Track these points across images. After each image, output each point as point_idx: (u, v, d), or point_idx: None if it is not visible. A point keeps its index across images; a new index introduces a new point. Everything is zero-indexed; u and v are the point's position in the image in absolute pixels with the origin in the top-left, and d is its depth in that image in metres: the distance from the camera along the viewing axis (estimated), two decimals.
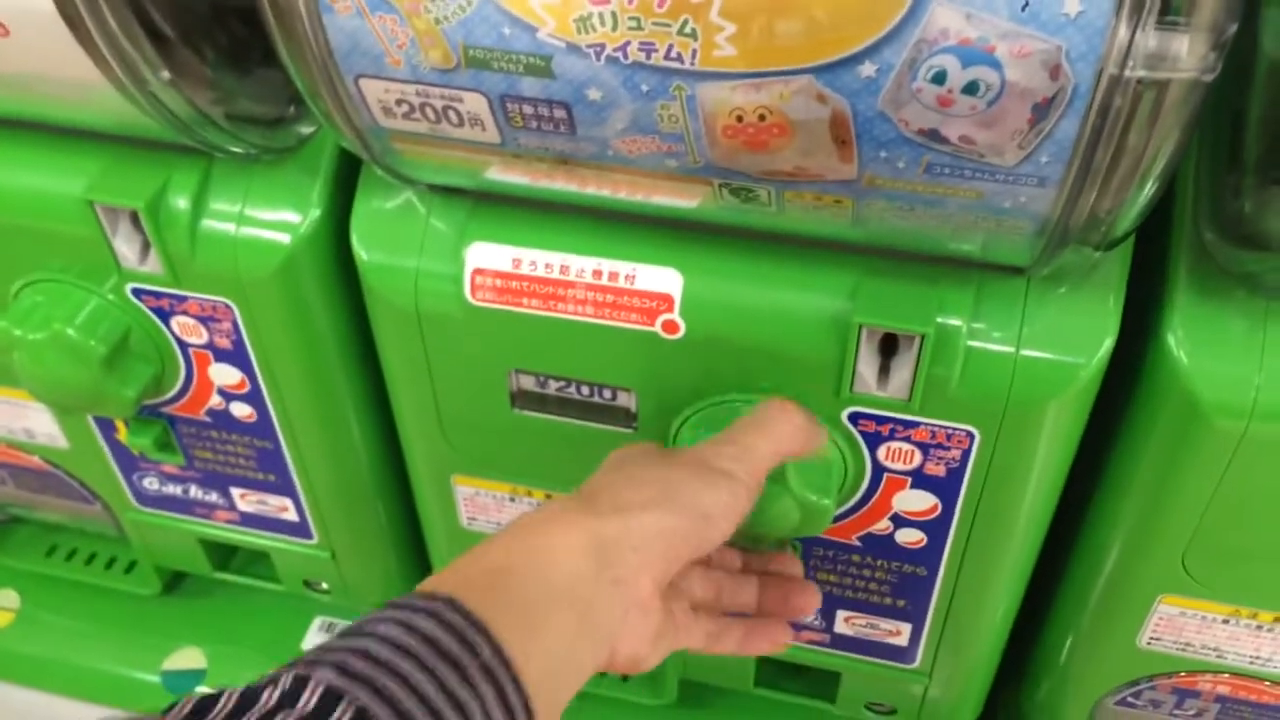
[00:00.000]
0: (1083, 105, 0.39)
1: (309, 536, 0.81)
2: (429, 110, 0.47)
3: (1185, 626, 0.65)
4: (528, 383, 0.64)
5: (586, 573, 0.46)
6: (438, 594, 0.43)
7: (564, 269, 0.57)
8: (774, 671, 0.81)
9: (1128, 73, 0.38)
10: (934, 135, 0.42)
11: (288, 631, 0.94)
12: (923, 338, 0.53)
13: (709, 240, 0.56)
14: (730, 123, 0.44)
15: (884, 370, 0.56)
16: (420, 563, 0.85)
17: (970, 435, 0.57)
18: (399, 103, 0.48)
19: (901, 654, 0.73)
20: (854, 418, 0.58)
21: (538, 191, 0.54)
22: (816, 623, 0.72)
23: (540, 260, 0.58)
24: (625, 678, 0.88)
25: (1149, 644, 0.66)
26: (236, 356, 0.68)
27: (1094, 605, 0.67)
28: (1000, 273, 0.54)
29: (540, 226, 0.58)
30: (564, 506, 0.49)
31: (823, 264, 0.55)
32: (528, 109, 0.46)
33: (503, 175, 0.52)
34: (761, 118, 0.43)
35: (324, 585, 0.86)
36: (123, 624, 0.96)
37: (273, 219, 0.63)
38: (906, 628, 0.71)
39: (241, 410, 0.72)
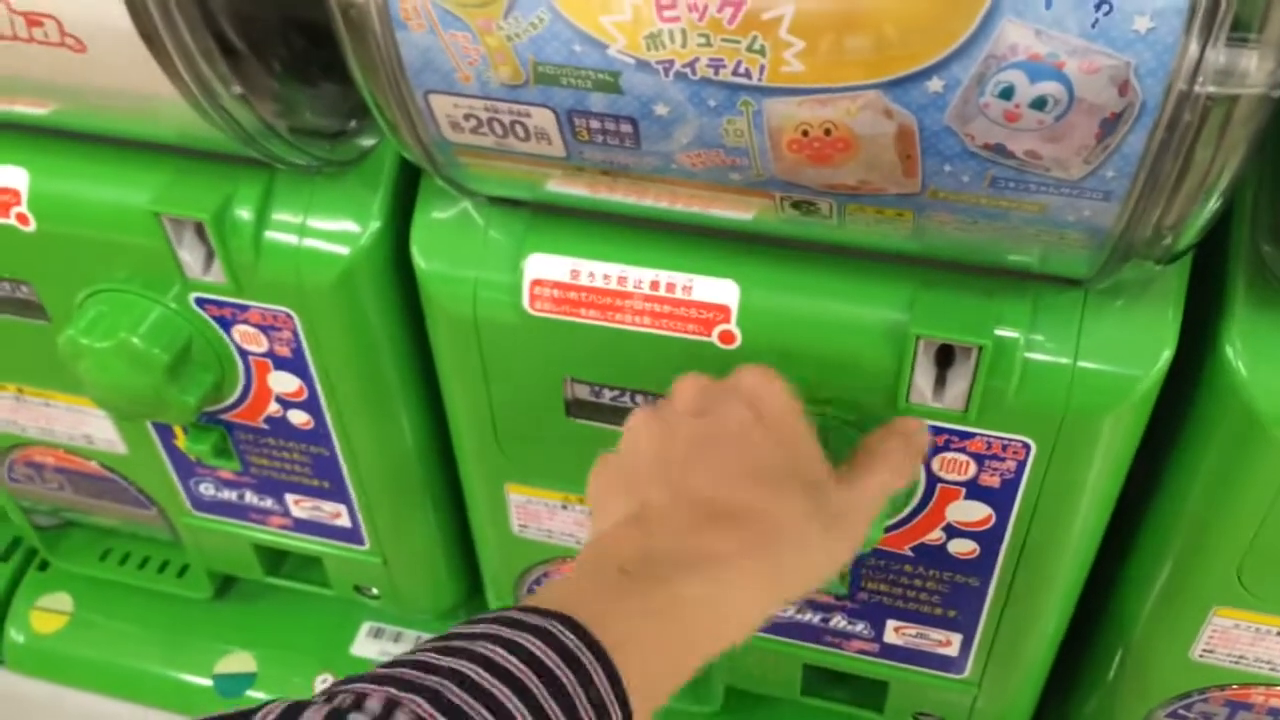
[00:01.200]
0: (1150, 120, 0.40)
1: (361, 543, 0.82)
2: (496, 125, 0.48)
3: (1239, 639, 0.64)
4: (583, 392, 0.64)
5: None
6: (556, 614, 0.40)
7: (621, 280, 0.58)
8: (821, 680, 0.81)
9: (1197, 88, 0.38)
10: (1000, 150, 0.42)
11: (337, 636, 0.96)
12: (980, 349, 0.53)
13: (765, 251, 0.57)
14: (796, 137, 0.44)
15: (940, 381, 0.56)
16: (470, 569, 0.86)
17: (1026, 447, 0.57)
18: (467, 118, 0.48)
19: (951, 664, 0.73)
20: None
21: (597, 203, 0.55)
22: (865, 632, 0.73)
23: (599, 271, 0.58)
24: None
25: (1202, 656, 0.66)
26: (296, 365, 0.69)
27: (1147, 616, 0.67)
28: (1058, 285, 0.54)
29: (598, 238, 0.59)
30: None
31: (879, 275, 0.56)
32: (594, 124, 0.47)
33: (563, 187, 0.53)
34: (827, 132, 0.44)
35: (374, 591, 0.87)
36: (174, 628, 0.98)
37: (334, 230, 0.64)
38: (957, 638, 0.71)
39: (299, 418, 0.73)
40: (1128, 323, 0.54)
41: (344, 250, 0.64)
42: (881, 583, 0.69)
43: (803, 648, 0.76)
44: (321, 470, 0.76)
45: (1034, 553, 0.63)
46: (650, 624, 0.43)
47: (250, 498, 0.82)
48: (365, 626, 0.96)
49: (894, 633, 0.72)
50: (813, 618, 0.73)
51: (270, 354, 0.69)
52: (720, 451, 0.49)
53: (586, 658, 0.39)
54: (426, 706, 0.35)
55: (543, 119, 0.47)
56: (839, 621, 0.73)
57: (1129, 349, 0.54)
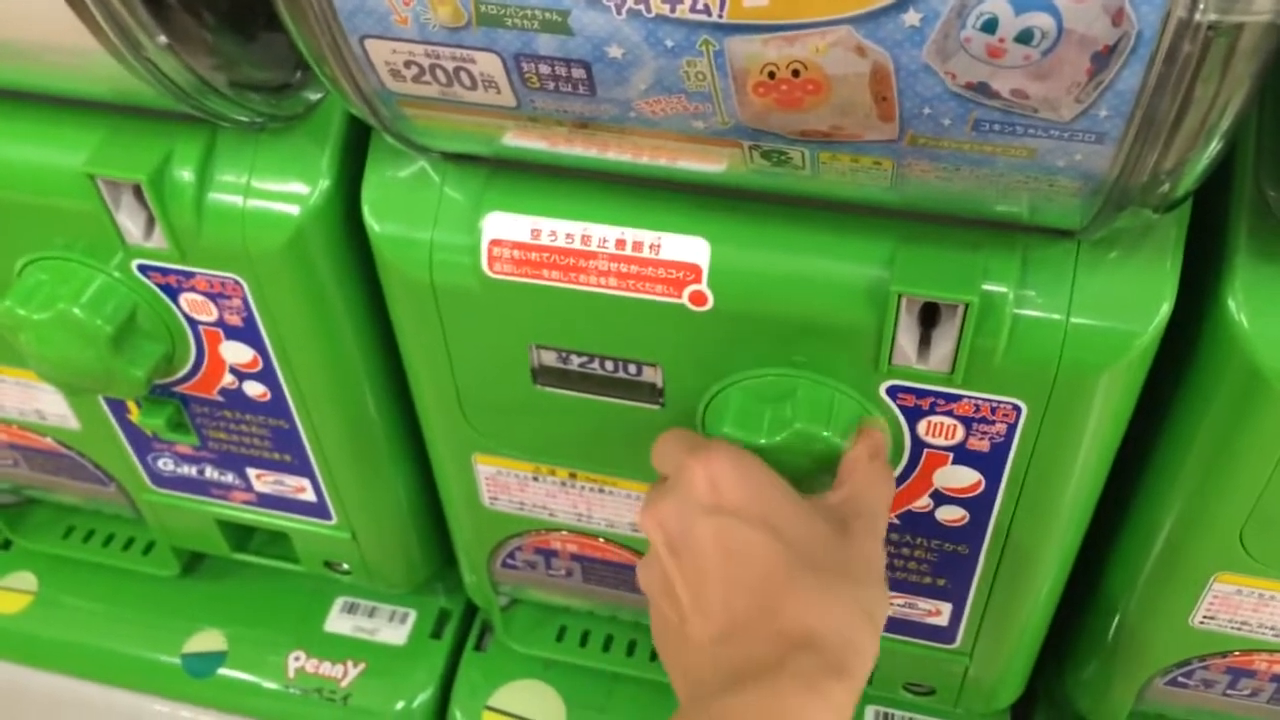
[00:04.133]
0: (1147, 53, 0.36)
1: (328, 517, 0.79)
2: (439, 72, 0.45)
3: (1241, 605, 0.62)
4: (549, 358, 0.61)
5: None
6: None
7: (585, 239, 0.55)
8: None
9: (1198, 16, 0.35)
10: (983, 89, 0.39)
11: (309, 612, 0.93)
12: (966, 307, 0.50)
13: (737, 207, 0.54)
14: (762, 79, 0.41)
15: (924, 341, 0.54)
16: (443, 540, 0.83)
17: (1017, 409, 0.54)
18: (408, 64, 0.45)
19: (941, 634, 0.70)
20: (893, 391, 0.56)
21: (556, 158, 0.51)
22: None
23: (560, 230, 0.55)
24: (654, 656, 0.86)
25: (1202, 623, 0.64)
26: (248, 334, 0.66)
27: (1144, 583, 0.65)
28: (1048, 236, 0.51)
29: (560, 195, 0.55)
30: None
31: (858, 230, 0.53)
32: (544, 69, 0.43)
33: (519, 141, 0.50)
34: (795, 73, 0.40)
35: (345, 566, 0.84)
36: (142, 606, 0.95)
37: (281, 190, 0.60)
38: (947, 607, 0.68)
39: (255, 389, 0.70)
40: (1123, 275, 0.51)
41: (292, 211, 0.60)
42: None
43: None
44: (282, 443, 0.74)
45: (1026, 519, 0.60)
46: None
47: (211, 473, 0.79)
48: (338, 602, 0.94)
49: None
50: None
51: (221, 323, 0.66)
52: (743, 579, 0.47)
53: None
54: None
55: (489, 64, 0.44)
56: None
57: (1125, 303, 0.51)
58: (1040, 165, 0.42)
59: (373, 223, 0.59)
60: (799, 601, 0.46)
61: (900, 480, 0.60)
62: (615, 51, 0.41)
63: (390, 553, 0.82)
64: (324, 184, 0.60)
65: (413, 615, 0.92)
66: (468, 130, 0.50)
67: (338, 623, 0.92)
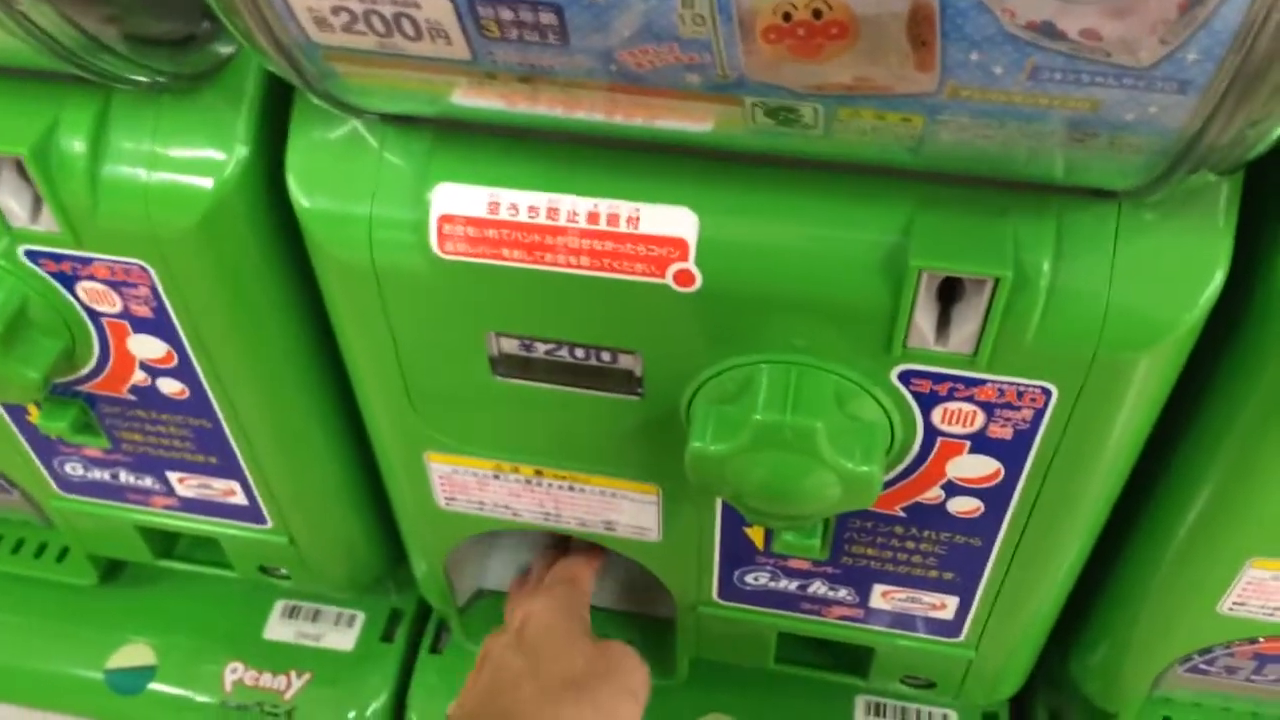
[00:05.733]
0: None
1: (262, 521, 0.72)
2: (376, 20, 0.37)
3: (1276, 591, 0.58)
4: (510, 346, 0.54)
5: None
6: None
7: (552, 212, 0.48)
8: (797, 646, 0.73)
9: None
10: (1047, 29, 0.32)
11: (246, 619, 0.86)
12: (997, 282, 0.44)
13: (728, 171, 0.47)
14: (775, 22, 0.34)
15: (943, 320, 0.47)
16: (391, 540, 0.76)
17: (1046, 393, 0.49)
18: (336, 11, 0.37)
19: (946, 628, 0.65)
20: (905, 377, 0.49)
21: (517, 118, 0.44)
22: (848, 597, 0.65)
23: (522, 202, 0.48)
24: None
25: (1231, 610, 0.59)
26: (158, 326, 0.58)
27: (1170, 568, 0.60)
28: (1084, 198, 0.45)
29: (521, 161, 0.48)
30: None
31: (868, 194, 0.46)
32: (506, 14, 0.36)
33: (474, 100, 0.42)
34: (817, 14, 0.34)
35: (283, 571, 0.77)
36: (59, 618, 0.88)
37: (190, 160, 0.52)
38: (953, 601, 0.63)
39: (170, 387, 0.62)
40: (1170, 241, 0.45)
41: (205, 184, 0.52)
42: (868, 546, 0.61)
43: (777, 616, 0.68)
44: (206, 444, 0.66)
45: (1047, 509, 0.55)
46: None
47: (126, 477, 0.71)
48: (278, 606, 0.86)
49: (881, 597, 0.64)
50: (788, 584, 0.65)
51: (126, 314, 0.57)
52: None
53: None
54: None
55: (436, 9, 0.36)
56: (818, 588, 0.65)
57: (1173, 273, 0.45)
58: (1104, 119, 0.36)
59: (300, 196, 0.51)
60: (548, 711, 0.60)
61: (909, 472, 0.55)
62: None
63: (333, 556, 0.75)
64: (241, 152, 0.52)
65: (361, 618, 0.85)
66: (411, 89, 0.42)
67: (278, 629, 0.85)
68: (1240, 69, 0.32)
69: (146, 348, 0.59)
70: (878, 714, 0.78)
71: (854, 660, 0.73)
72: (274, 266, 0.56)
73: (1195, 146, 0.36)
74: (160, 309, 0.57)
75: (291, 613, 0.86)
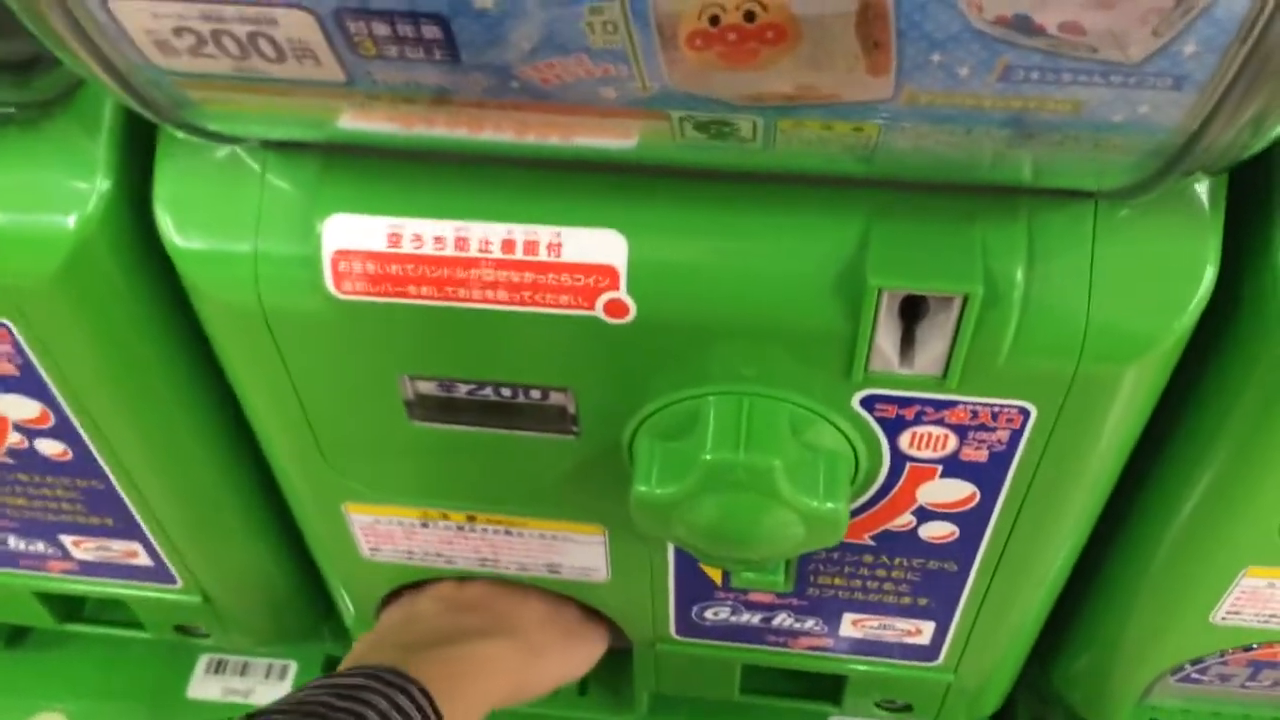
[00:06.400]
0: None
1: (172, 581, 0.66)
2: (228, 41, 0.32)
3: (1272, 598, 0.54)
4: (427, 388, 0.49)
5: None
6: (409, 676, 0.51)
7: (461, 242, 0.42)
8: (764, 676, 0.69)
9: None
10: (1021, 25, 0.28)
11: (168, 676, 0.80)
12: (966, 298, 0.40)
13: (659, 187, 0.42)
14: (700, 27, 0.29)
15: (907, 339, 0.43)
16: (320, 591, 0.71)
17: (1024, 413, 0.44)
18: (179, 32, 0.32)
19: (922, 653, 0.61)
20: (869, 403, 0.45)
21: (415, 141, 0.38)
22: (817, 628, 0.61)
23: (427, 232, 0.42)
24: (583, 690, 0.76)
25: (1225, 619, 0.56)
26: (27, 384, 0.52)
27: (1159, 579, 0.56)
28: (1057, 198, 0.41)
29: (424, 185, 0.43)
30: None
31: (817, 205, 0.42)
32: (381, 29, 0.30)
33: (361, 124, 0.37)
34: (749, 17, 0.29)
35: (201, 629, 0.71)
36: None
37: (46, 197, 0.46)
38: (929, 626, 0.59)
39: (51, 448, 0.56)
40: (1154, 243, 0.41)
41: (65, 224, 0.46)
42: (835, 576, 0.56)
43: (740, 649, 0.64)
44: (98, 506, 0.60)
45: (1026, 529, 0.51)
46: (438, 682, 0.52)
47: (16, 543, 0.65)
48: (202, 661, 0.81)
49: (852, 626, 0.60)
50: (750, 618, 0.61)
51: None
52: (476, 580, 0.62)
53: (429, 709, 0.51)
54: None
55: (298, 26, 0.31)
56: (784, 620, 0.61)
57: (1159, 278, 0.41)
58: (1088, 122, 0.31)
59: (172, 234, 0.45)
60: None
61: (876, 500, 0.50)
62: (483, 0, 0.29)
63: (255, 612, 0.70)
64: (103, 185, 0.46)
65: (293, 668, 0.80)
66: (285, 114, 0.37)
67: (203, 686, 0.79)
68: (1247, 61, 0.28)
69: (18, 408, 0.53)
70: None
71: (826, 686, 0.69)
72: (152, 311, 0.50)
73: (1192, 148, 0.31)
74: (27, 365, 0.51)
75: (217, 667, 0.80)
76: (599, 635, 0.65)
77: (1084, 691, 0.68)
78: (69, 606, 0.73)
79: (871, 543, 0.53)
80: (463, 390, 0.49)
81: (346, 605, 0.68)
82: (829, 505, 0.44)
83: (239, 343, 0.48)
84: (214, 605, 0.67)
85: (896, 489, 0.49)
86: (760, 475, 0.44)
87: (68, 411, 0.53)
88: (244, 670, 0.80)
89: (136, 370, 0.52)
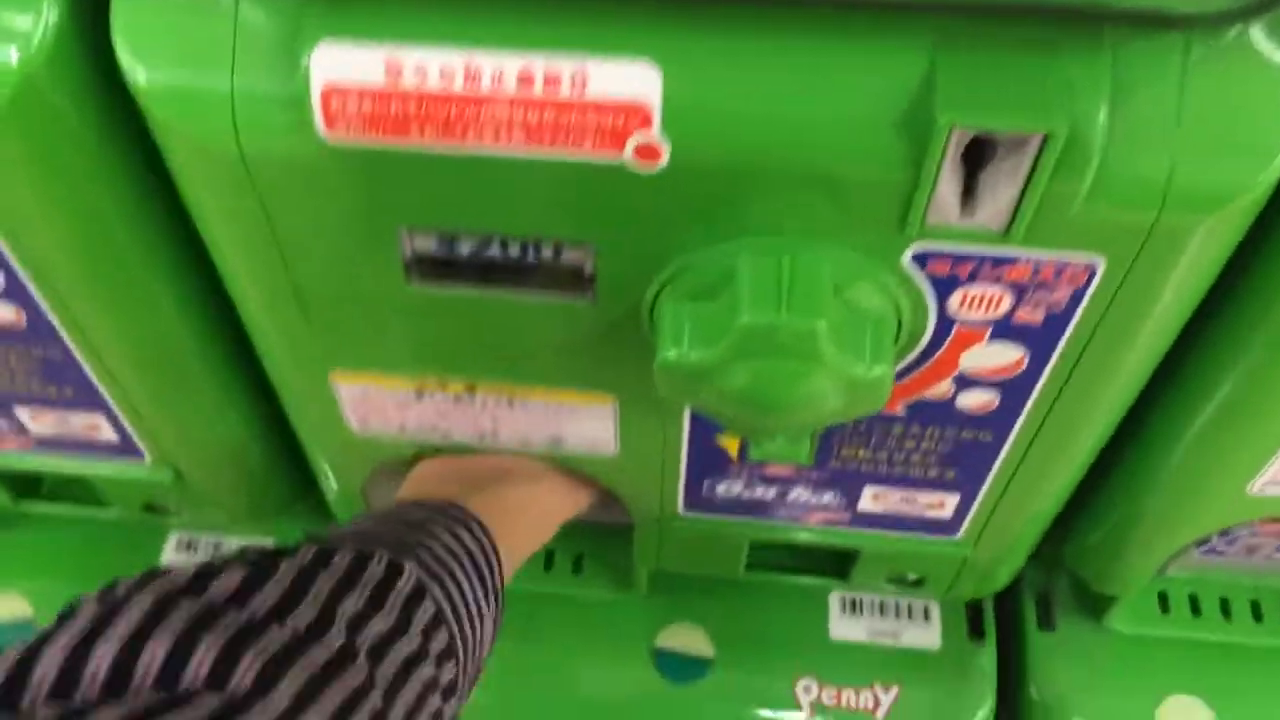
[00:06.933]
0: None
1: (138, 455, 0.62)
2: None
3: None
4: (427, 244, 0.45)
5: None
6: (469, 512, 0.52)
7: (472, 75, 0.38)
8: (768, 553, 0.67)
9: None
10: None
11: (134, 556, 0.77)
12: (1045, 138, 0.36)
13: (700, 12, 0.37)
14: None
15: (968, 187, 0.39)
16: (298, 467, 0.67)
17: (1090, 269, 0.41)
18: None
19: (942, 526, 0.59)
20: (922, 259, 0.41)
21: None
22: (833, 502, 0.58)
23: (431, 64, 0.38)
24: (578, 568, 0.74)
25: (1262, 489, 0.54)
26: None
27: (1195, 449, 0.54)
28: (1143, 29, 0.37)
29: (427, 6, 0.38)
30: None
31: (877, 33, 0.37)
32: None
33: None
34: None
35: (171, 508, 0.68)
36: None
37: None
38: (953, 499, 0.57)
39: (3, 313, 0.51)
40: (1247, 86, 0.37)
41: (9, 59, 0.41)
42: (860, 448, 0.54)
43: (749, 525, 0.61)
44: (55, 375, 0.55)
45: (1072, 398, 0.48)
46: (491, 520, 0.53)
47: None
48: (172, 539, 0.77)
49: (871, 500, 0.58)
50: (765, 493, 0.58)
51: None
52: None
53: (488, 545, 0.51)
54: (417, 568, 0.45)
55: None
56: (799, 494, 0.58)
57: (1250, 125, 0.37)
58: None
59: (134, 69, 0.40)
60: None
61: (914, 365, 0.47)
62: None
63: (228, 489, 0.66)
64: (51, 14, 0.41)
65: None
66: None
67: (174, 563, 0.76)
68: None
69: None
70: (854, 610, 0.73)
71: (834, 562, 0.68)
72: (111, 156, 0.45)
73: None
74: None
75: (188, 546, 0.77)
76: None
77: (1099, 565, 0.67)
78: (25, 484, 0.69)
79: (904, 413, 0.51)
80: (467, 248, 0.45)
81: (330, 482, 0.65)
82: (876, 372, 0.41)
83: (214, 193, 0.43)
84: (185, 482, 0.64)
85: (939, 355, 0.46)
86: (802, 338, 0.40)
87: (18, 271, 0.48)
88: (217, 549, 0.77)
89: (95, 223, 0.47)
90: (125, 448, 0.61)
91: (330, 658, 0.38)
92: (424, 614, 0.43)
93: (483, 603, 0.48)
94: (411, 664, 0.41)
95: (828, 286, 0.41)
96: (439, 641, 0.44)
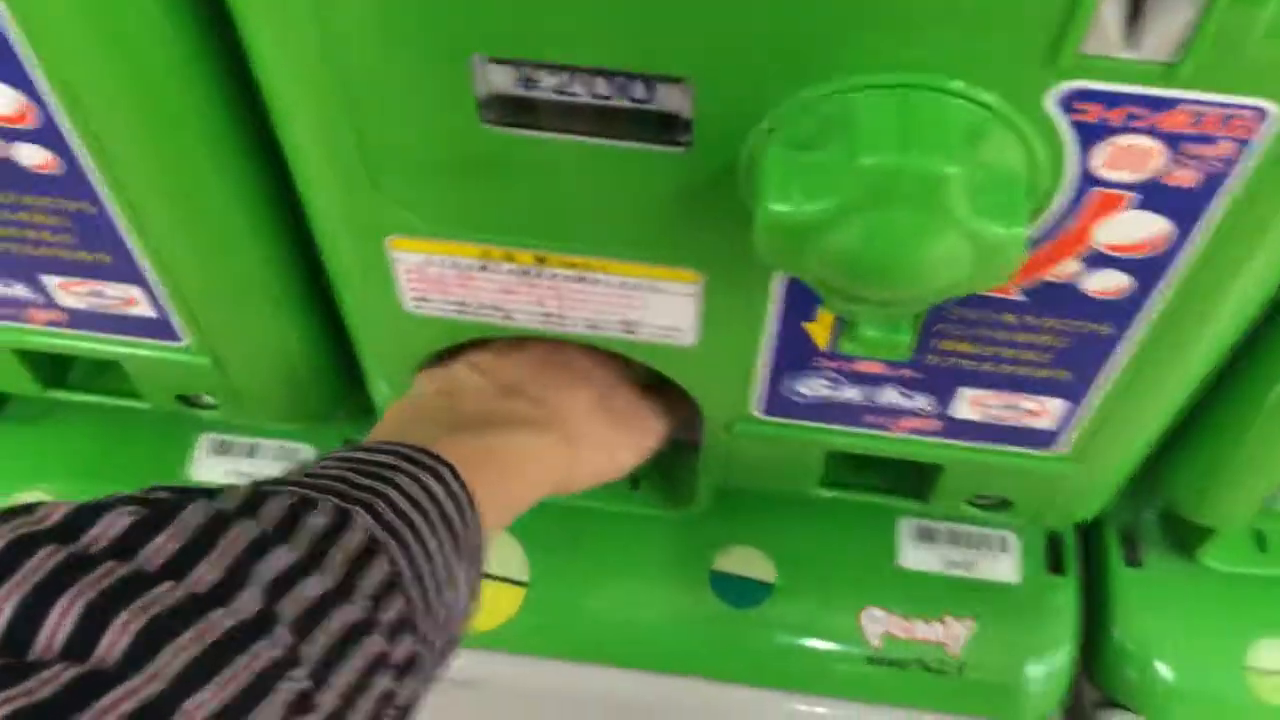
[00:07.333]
0: None
1: (174, 338, 0.58)
2: None
3: None
4: (503, 79, 0.40)
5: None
6: (443, 459, 0.45)
7: None
8: (841, 471, 0.63)
9: None
10: None
11: (165, 455, 0.74)
12: None
13: None
14: None
15: (1134, 10, 0.35)
16: (342, 361, 0.63)
17: (1260, 114, 0.36)
18: None
19: (1041, 438, 0.55)
20: (1069, 100, 0.37)
21: None
22: (926, 406, 0.54)
23: None
24: (634, 484, 0.70)
25: None
26: (4, 67, 0.43)
27: None
28: None
29: None
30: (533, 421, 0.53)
31: None
32: None
33: None
34: None
35: (207, 399, 0.64)
36: None
37: None
38: (1058, 406, 0.52)
39: (34, 156, 0.47)
40: None
41: None
42: (962, 340, 0.49)
43: (830, 432, 0.57)
44: (90, 236, 0.51)
45: (1210, 282, 0.44)
46: (474, 471, 0.46)
47: None
48: (205, 440, 0.74)
49: (969, 405, 0.53)
50: (851, 394, 0.54)
51: None
52: (524, 350, 0.57)
53: (464, 497, 0.44)
54: (370, 520, 0.38)
55: None
56: (889, 396, 0.54)
57: None
58: None
59: None
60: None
61: (1040, 239, 0.43)
62: None
63: (269, 380, 0.62)
64: None
65: (306, 454, 0.73)
66: None
67: (206, 467, 0.73)
68: None
69: None
70: (926, 539, 0.69)
71: (911, 478, 0.63)
72: None
73: None
74: (2, 38, 0.41)
75: (220, 448, 0.73)
76: (652, 429, 0.59)
77: (1199, 495, 0.62)
78: (54, 369, 0.66)
79: (1021, 297, 0.46)
80: (548, 85, 0.40)
81: (378, 381, 0.61)
82: (1014, 230, 0.37)
83: (275, 21, 0.39)
84: (224, 370, 0.60)
85: (1070, 225, 0.42)
86: (929, 185, 0.36)
87: (52, 100, 0.44)
88: (252, 452, 0.73)
89: (135, 52, 0.42)
90: (162, 328, 0.58)
91: (236, 624, 0.31)
92: (374, 575, 0.36)
93: (454, 563, 0.41)
94: (354, 635, 0.34)
95: (957, 131, 0.37)
96: (393, 609, 0.36)
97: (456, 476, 0.44)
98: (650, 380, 0.57)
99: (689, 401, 0.56)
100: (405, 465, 0.42)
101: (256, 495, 0.36)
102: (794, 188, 0.38)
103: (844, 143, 0.37)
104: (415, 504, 0.40)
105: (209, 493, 0.36)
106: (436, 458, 0.44)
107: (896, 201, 0.36)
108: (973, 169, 0.37)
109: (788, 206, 0.37)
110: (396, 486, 0.41)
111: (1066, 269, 0.44)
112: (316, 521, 0.36)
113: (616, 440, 0.57)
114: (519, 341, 0.56)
